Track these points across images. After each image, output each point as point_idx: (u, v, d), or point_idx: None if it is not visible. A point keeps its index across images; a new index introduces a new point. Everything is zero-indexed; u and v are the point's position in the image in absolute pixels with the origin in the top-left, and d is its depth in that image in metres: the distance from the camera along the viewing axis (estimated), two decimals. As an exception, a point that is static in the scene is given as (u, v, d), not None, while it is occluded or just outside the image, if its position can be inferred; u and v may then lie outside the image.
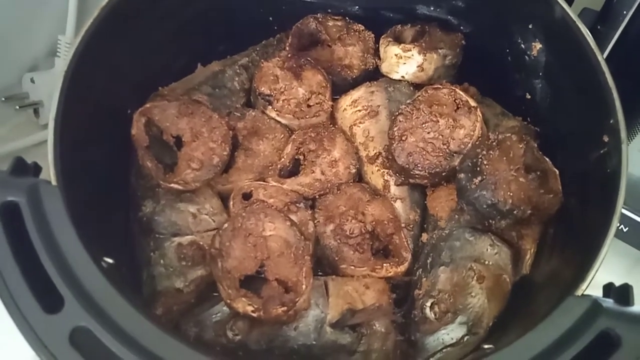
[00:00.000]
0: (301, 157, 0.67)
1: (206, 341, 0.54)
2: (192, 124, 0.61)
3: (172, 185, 0.58)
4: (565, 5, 0.57)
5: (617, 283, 0.45)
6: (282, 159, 0.66)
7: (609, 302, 0.42)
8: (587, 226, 0.53)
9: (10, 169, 0.45)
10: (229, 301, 0.51)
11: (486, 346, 0.50)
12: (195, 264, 0.57)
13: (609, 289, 0.45)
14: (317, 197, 0.64)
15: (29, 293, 0.40)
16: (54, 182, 0.46)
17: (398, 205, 0.64)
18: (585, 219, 0.54)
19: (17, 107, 0.79)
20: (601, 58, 0.54)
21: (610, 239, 0.46)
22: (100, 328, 0.40)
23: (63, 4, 0.78)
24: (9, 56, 0.77)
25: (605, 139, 0.52)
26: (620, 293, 0.44)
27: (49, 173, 0.46)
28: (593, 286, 0.46)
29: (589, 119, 0.56)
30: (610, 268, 0.49)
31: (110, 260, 0.47)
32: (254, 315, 0.51)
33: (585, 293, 0.44)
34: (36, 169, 0.47)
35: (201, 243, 0.58)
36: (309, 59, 0.71)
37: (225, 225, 0.54)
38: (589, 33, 0.56)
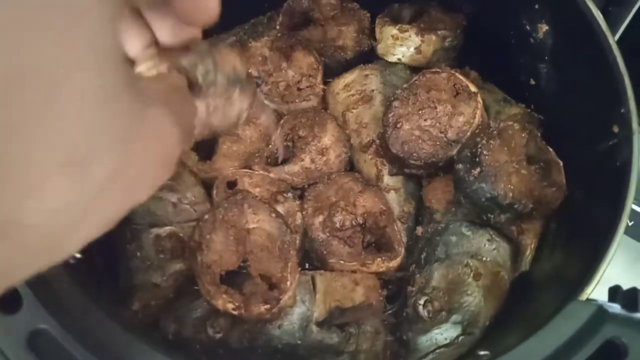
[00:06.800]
0: (290, 144, 0.63)
1: (185, 338, 0.52)
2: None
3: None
4: (574, -16, 0.53)
5: (619, 278, 0.42)
6: (270, 146, 0.63)
7: (615, 308, 0.40)
8: (593, 222, 0.50)
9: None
10: (208, 298, 0.49)
11: (482, 352, 0.47)
12: (174, 257, 0.54)
13: (615, 292, 0.43)
14: (306, 186, 0.61)
15: (-17, 291, 0.37)
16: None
17: (392, 196, 0.61)
18: (591, 214, 0.51)
19: None
20: (612, 41, 0.51)
21: (619, 238, 0.43)
22: (62, 330, 0.37)
23: None
24: None
25: (615, 129, 0.49)
26: (627, 298, 0.41)
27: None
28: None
29: (597, 107, 0.53)
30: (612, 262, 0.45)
31: (78, 255, 0.43)
32: (235, 313, 0.48)
33: (590, 297, 0.41)
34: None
35: (181, 235, 0.55)
36: (299, 39, 0.67)
37: (206, 216, 0.51)
38: (600, 14, 0.52)
